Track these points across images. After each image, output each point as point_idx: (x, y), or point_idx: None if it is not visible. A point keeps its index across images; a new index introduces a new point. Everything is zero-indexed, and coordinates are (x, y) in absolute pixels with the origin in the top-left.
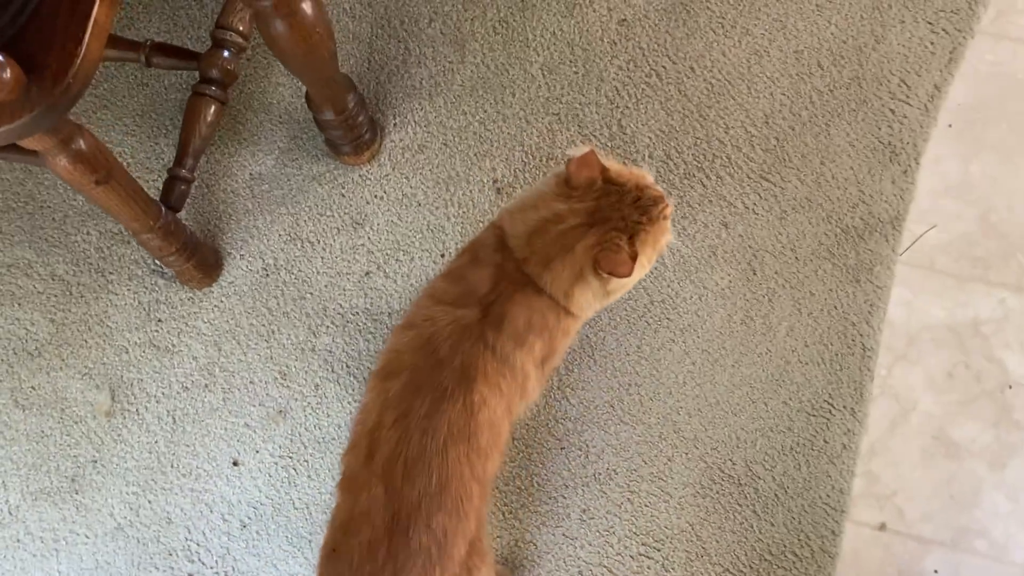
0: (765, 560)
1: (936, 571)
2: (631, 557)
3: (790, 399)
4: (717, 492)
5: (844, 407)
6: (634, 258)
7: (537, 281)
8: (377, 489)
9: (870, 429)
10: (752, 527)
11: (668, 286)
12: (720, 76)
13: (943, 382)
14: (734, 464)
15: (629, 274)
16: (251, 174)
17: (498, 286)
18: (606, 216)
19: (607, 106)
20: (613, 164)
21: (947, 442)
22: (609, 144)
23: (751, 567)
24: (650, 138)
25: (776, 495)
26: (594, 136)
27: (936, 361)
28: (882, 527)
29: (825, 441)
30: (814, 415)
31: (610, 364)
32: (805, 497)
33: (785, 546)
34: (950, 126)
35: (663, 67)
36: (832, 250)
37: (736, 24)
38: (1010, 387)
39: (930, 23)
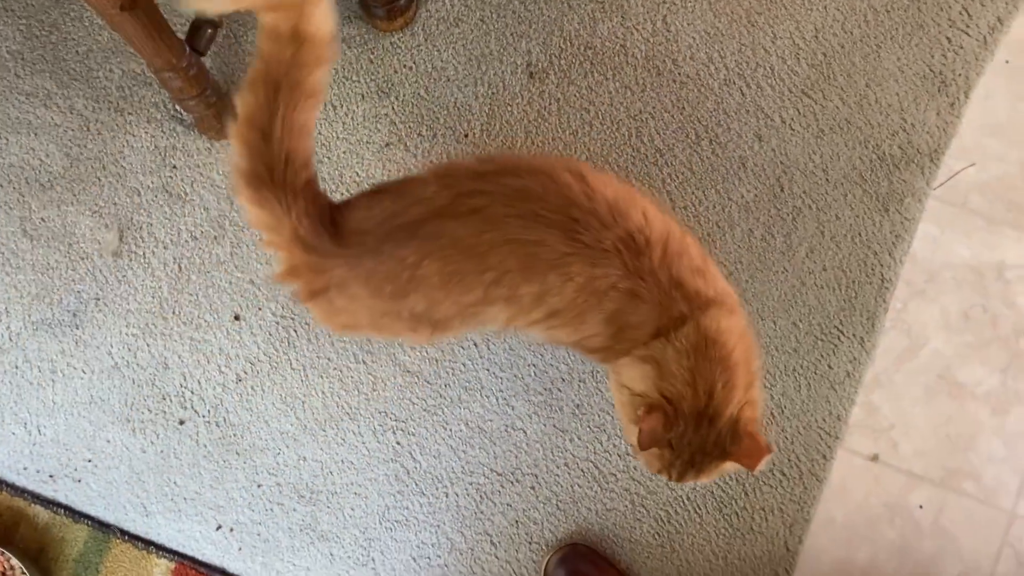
0: (751, 476)
1: (920, 506)
2: (618, 456)
3: (800, 320)
4: None
5: (854, 335)
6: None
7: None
8: None
9: (876, 360)
10: None
11: (692, 191)
12: None
13: (957, 322)
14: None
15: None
16: None
17: None
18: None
19: (653, 0)
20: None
21: (952, 382)
22: (650, 39)
23: (737, 481)
24: (694, 38)
25: (773, 415)
26: (636, 30)
27: (953, 300)
28: (875, 458)
29: (829, 366)
30: (822, 339)
31: None
32: (801, 419)
33: (774, 464)
34: (1007, 62)
35: None
36: (864, 176)
37: None
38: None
39: None
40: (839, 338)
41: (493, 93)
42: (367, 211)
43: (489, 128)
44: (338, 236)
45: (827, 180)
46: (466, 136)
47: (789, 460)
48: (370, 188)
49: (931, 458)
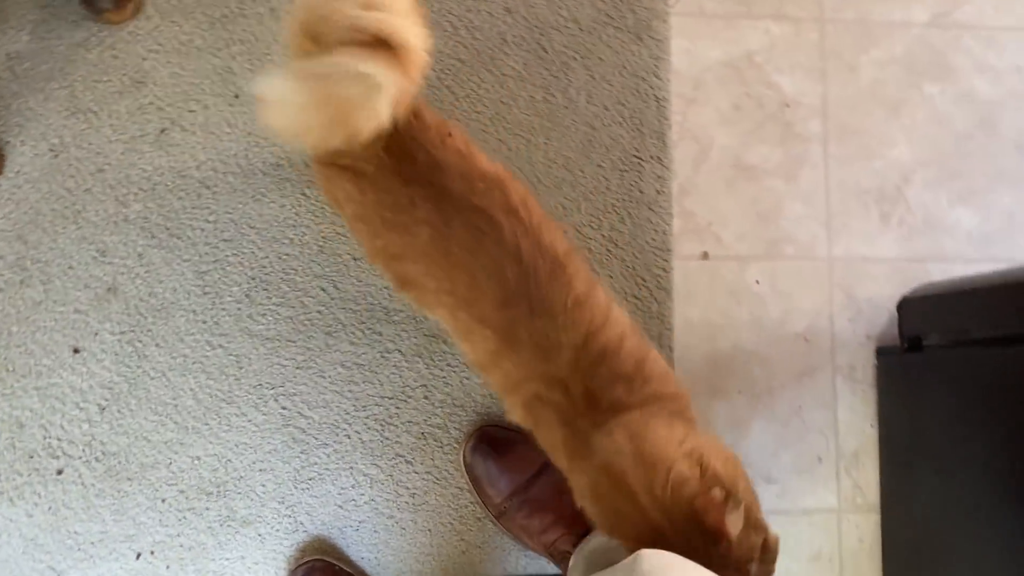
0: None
1: (757, 281)
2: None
3: (602, 161)
4: None
5: (651, 157)
6: None
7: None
8: None
9: (677, 171)
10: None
11: (468, 80)
12: None
13: (732, 114)
14: (565, 232)
15: None
16: (7, 54)
17: None
18: None
19: None
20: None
21: (745, 167)
22: None
23: None
24: None
25: (608, 250)
26: None
27: (722, 97)
28: (705, 256)
29: (641, 191)
30: (626, 170)
31: None
32: (634, 246)
33: (626, 292)
34: None
35: None
36: (610, 14)
37: None
38: (787, 106)
39: None
40: (640, 164)
41: (248, 48)
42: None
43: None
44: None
45: (581, 29)
46: (236, 97)
47: (636, 284)
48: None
49: (751, 238)
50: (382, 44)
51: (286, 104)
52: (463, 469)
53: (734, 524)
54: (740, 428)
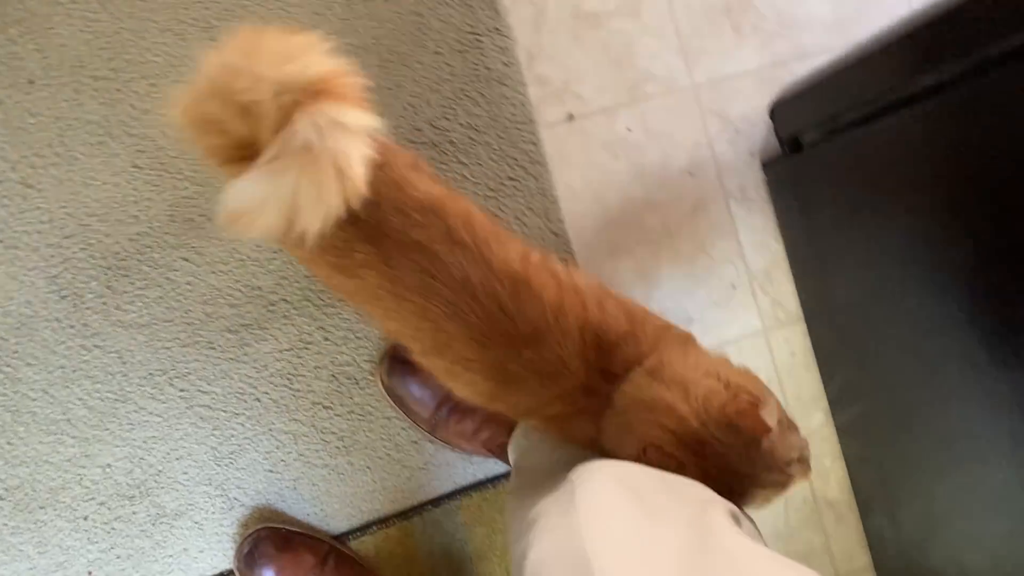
0: (491, 197)
1: (629, 129)
2: None
3: (439, 48)
4: (421, 157)
5: (488, 30)
6: None
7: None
8: None
9: (519, 38)
10: (464, 177)
11: (282, 2)
12: None
13: None
14: (420, 131)
15: None
16: None
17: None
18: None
19: None
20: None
21: (586, 16)
22: None
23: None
24: None
25: (470, 138)
26: None
27: None
28: (570, 117)
29: (487, 68)
30: (466, 50)
31: None
32: (495, 127)
33: (501, 176)
34: None
35: None
36: None
37: None
38: None
39: None
40: (478, 40)
41: (29, 27)
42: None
43: (48, 64)
44: None
45: None
46: (31, 83)
47: (509, 165)
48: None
49: (611, 87)
50: (317, 92)
51: (259, 212)
52: (385, 396)
53: (770, 417)
54: (649, 277)
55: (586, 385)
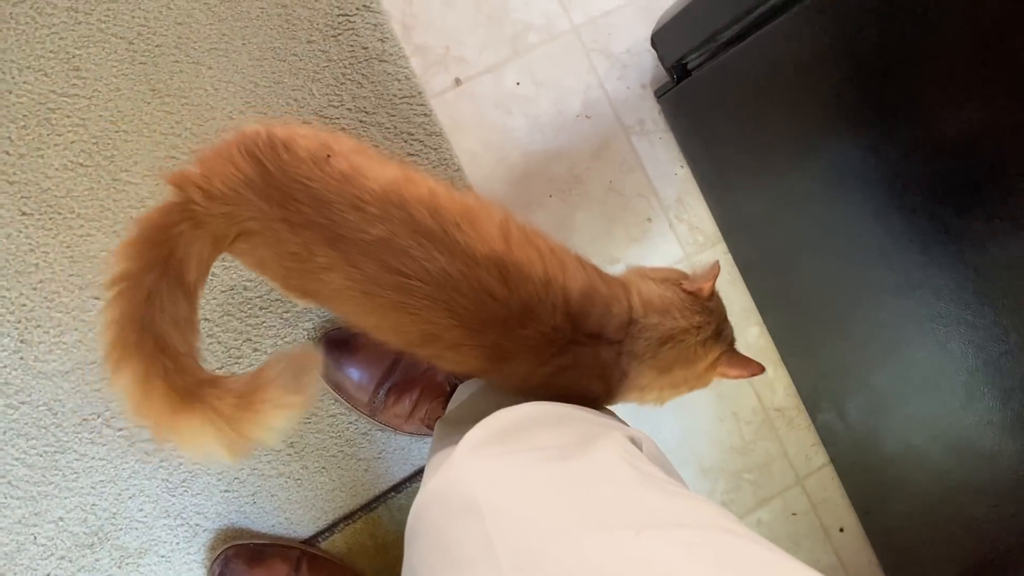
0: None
1: (517, 83)
2: None
3: (311, 36)
4: None
5: (357, 9)
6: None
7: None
8: None
9: (390, 11)
10: None
11: (132, 18)
12: None
13: None
14: (309, 123)
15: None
16: None
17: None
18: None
19: None
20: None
21: None
22: None
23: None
24: None
25: (361, 121)
26: None
27: None
28: (457, 82)
29: (365, 48)
30: (339, 33)
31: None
32: (384, 105)
33: (400, 155)
34: None
35: None
36: None
37: None
38: None
39: None
40: (349, 21)
41: None
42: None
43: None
44: None
45: None
46: None
47: (406, 142)
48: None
49: (492, 44)
50: None
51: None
52: (325, 385)
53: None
54: (566, 226)
55: (574, 341)
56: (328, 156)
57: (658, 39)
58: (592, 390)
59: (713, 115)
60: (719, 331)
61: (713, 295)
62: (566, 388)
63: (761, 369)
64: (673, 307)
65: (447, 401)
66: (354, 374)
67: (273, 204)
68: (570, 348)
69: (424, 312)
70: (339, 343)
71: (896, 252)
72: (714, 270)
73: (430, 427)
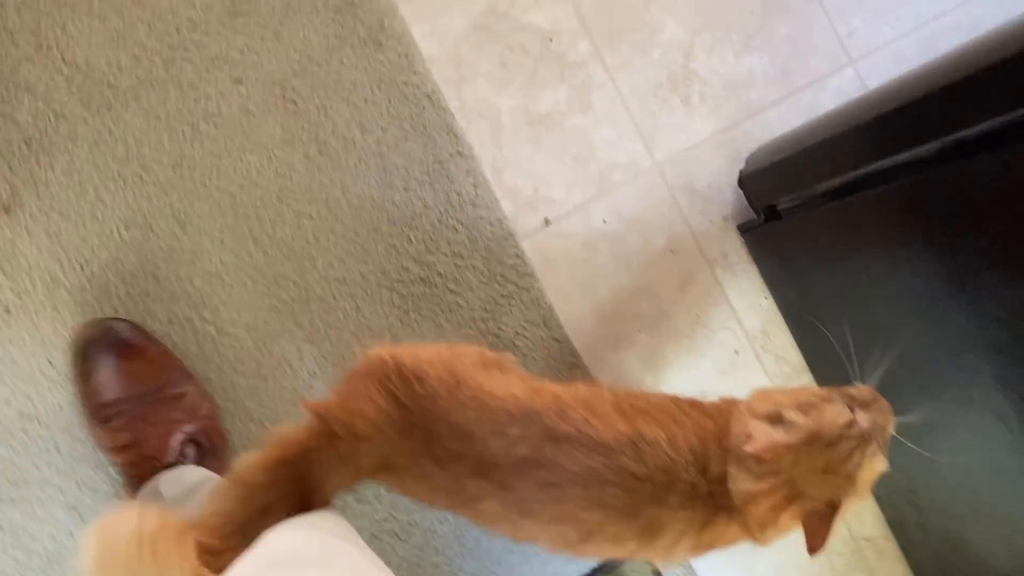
0: (488, 319)
1: (604, 220)
2: None
3: (407, 184)
4: (412, 294)
5: (450, 155)
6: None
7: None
8: None
9: (481, 156)
10: (458, 305)
11: (235, 171)
12: None
13: (503, 74)
14: (407, 269)
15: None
16: None
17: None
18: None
19: None
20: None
21: (541, 120)
22: None
23: (484, 332)
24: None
25: (456, 265)
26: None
27: (486, 62)
28: (546, 222)
29: (458, 193)
30: (434, 180)
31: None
32: (477, 249)
33: (494, 296)
34: None
35: None
36: (340, 36)
37: None
38: (550, 40)
39: None
40: (442, 167)
41: None
42: None
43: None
44: None
45: (319, 65)
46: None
47: (499, 284)
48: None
49: (579, 183)
50: None
51: None
52: (77, 354)
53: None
54: (657, 362)
55: (711, 493)
56: (457, 384)
57: (746, 181)
58: (735, 536)
59: (803, 253)
60: (792, 494)
61: (777, 454)
62: (712, 543)
63: (816, 546)
64: (744, 463)
65: (157, 470)
66: (113, 373)
67: (416, 441)
68: (710, 499)
69: (581, 514)
70: (122, 341)
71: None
72: (771, 439)
73: (126, 471)
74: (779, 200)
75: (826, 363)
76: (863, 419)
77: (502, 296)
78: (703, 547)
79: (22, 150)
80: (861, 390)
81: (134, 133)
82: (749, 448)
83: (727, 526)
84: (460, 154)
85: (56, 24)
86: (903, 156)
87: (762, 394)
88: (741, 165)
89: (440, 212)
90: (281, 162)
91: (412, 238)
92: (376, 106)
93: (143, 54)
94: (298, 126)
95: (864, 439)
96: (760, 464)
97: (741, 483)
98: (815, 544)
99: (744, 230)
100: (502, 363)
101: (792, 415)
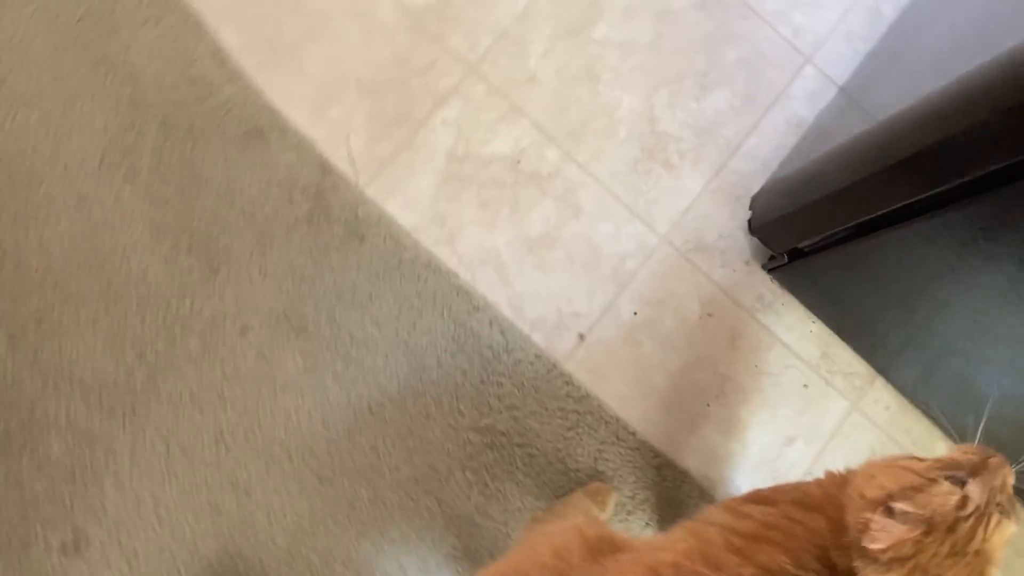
0: (563, 455)
1: (635, 312)
2: None
3: (439, 360)
4: (484, 464)
5: (468, 313)
6: None
7: None
8: None
9: (495, 300)
10: (531, 456)
11: (284, 415)
12: None
13: (487, 214)
14: (471, 441)
15: None
16: None
17: None
18: None
19: None
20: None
21: (539, 241)
22: None
23: (564, 471)
24: None
25: (514, 418)
26: None
27: (466, 208)
28: (581, 337)
29: (489, 347)
30: (463, 344)
31: None
32: (528, 392)
33: (561, 431)
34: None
35: None
36: (321, 244)
37: None
38: (518, 161)
39: None
40: (465, 330)
41: None
42: None
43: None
44: None
45: (312, 280)
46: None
47: (563, 418)
48: None
49: (597, 287)
50: None
51: None
52: None
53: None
54: (734, 427)
55: None
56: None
57: (763, 231)
58: None
59: (838, 279)
60: None
61: (899, 546)
62: None
63: None
64: (868, 555)
65: None
66: None
67: None
68: None
69: None
70: None
71: None
72: (890, 534)
73: None
74: (799, 241)
75: (893, 366)
76: (975, 492)
77: (568, 429)
78: None
79: (69, 485)
80: (966, 452)
81: (166, 425)
82: (871, 546)
83: None
84: (477, 308)
85: (52, 350)
86: (925, 196)
87: (867, 475)
88: (744, 203)
89: (480, 373)
90: (313, 391)
91: (462, 409)
92: (381, 298)
93: (145, 343)
94: (316, 349)
95: (982, 514)
96: (885, 555)
97: None
98: None
99: (771, 269)
100: (610, 540)
101: (901, 506)
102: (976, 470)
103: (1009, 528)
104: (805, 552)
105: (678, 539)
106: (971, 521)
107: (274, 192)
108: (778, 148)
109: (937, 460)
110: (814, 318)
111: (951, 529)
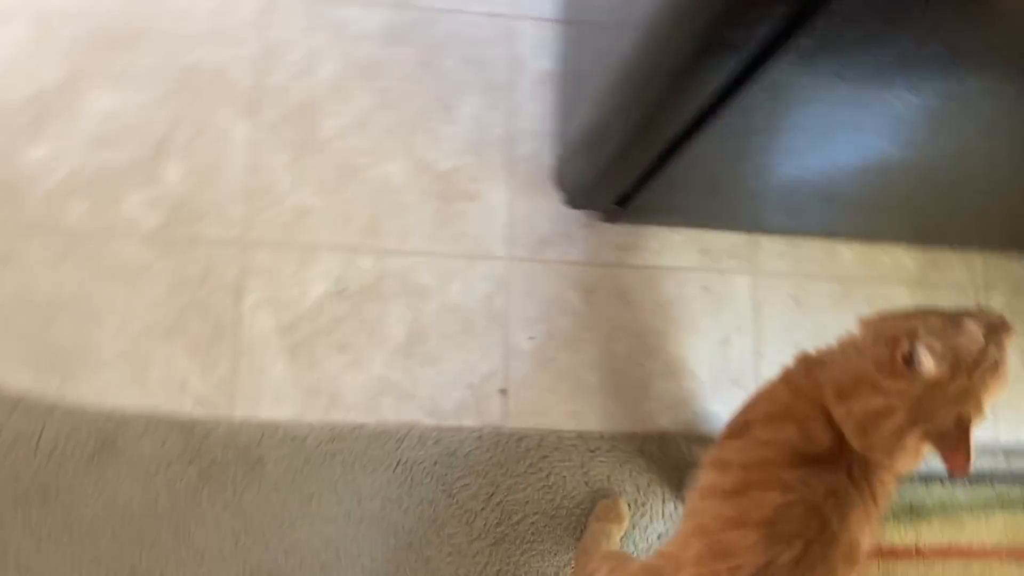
0: (562, 515)
1: (530, 337)
2: None
3: (382, 521)
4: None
5: (391, 454)
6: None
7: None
8: None
9: (411, 419)
10: (534, 536)
11: None
12: None
13: (350, 355)
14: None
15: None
16: None
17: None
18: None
19: None
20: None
21: (409, 343)
22: None
23: (571, 526)
24: None
25: (497, 512)
26: None
27: (325, 364)
28: (503, 392)
29: (429, 469)
30: (411, 489)
31: None
32: (491, 478)
33: (544, 491)
34: None
35: None
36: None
37: None
38: (343, 290)
39: None
40: (407, 454)
41: None
42: None
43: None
44: None
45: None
46: None
47: (534, 478)
48: None
49: (476, 350)
50: None
51: None
52: None
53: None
54: (675, 367)
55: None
56: None
57: (582, 205)
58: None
59: (672, 189)
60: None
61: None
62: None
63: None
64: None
65: None
66: None
67: None
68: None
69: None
70: None
71: None
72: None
73: None
74: (622, 191)
75: (762, 216)
76: (995, 347)
77: (547, 477)
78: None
79: None
80: (992, 313)
81: None
82: (927, 373)
83: (883, 484)
84: (400, 439)
85: None
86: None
87: (872, 330)
88: (552, 181)
89: (443, 491)
90: None
91: (451, 533)
92: (317, 495)
93: None
94: None
95: (996, 365)
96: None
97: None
98: (959, 462)
99: (612, 220)
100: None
101: (930, 341)
102: (995, 330)
103: (1003, 387)
104: (788, 473)
105: (685, 545)
106: (985, 370)
107: (159, 480)
108: (547, 112)
109: (966, 310)
110: (673, 229)
111: (969, 374)
